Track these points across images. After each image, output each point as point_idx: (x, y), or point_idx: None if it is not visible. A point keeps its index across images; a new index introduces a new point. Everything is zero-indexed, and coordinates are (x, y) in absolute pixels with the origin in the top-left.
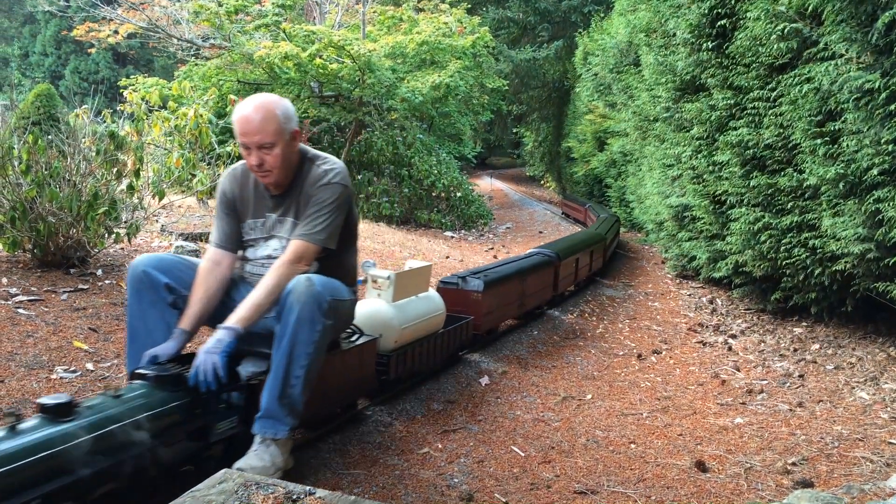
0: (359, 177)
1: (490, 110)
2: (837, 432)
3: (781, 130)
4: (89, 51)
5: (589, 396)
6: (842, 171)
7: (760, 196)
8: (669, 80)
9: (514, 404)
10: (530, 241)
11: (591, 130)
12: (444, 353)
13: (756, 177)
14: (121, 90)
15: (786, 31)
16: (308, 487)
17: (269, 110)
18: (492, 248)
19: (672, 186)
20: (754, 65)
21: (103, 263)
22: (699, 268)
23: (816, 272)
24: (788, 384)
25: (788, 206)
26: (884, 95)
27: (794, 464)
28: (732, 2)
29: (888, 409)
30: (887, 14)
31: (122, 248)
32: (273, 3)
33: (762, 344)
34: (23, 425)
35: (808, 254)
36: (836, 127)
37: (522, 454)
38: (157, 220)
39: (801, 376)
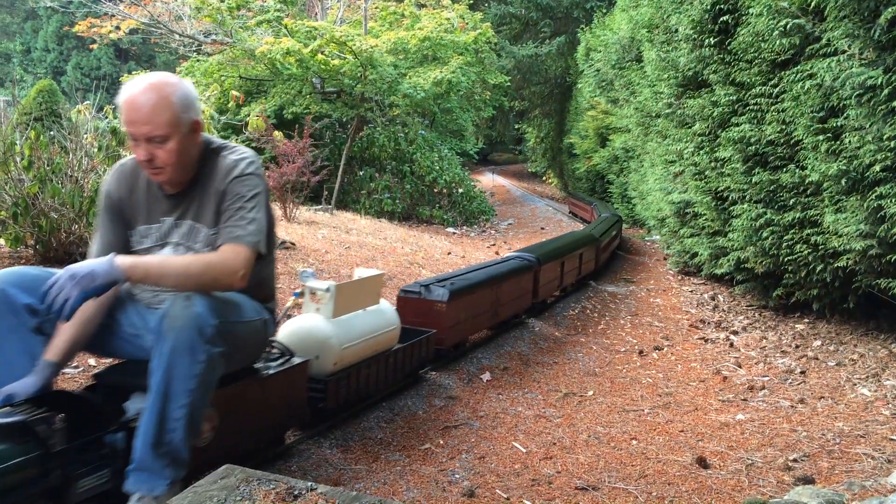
0: (360, 173)
1: (492, 106)
2: (839, 429)
3: (783, 127)
4: (91, 47)
5: (590, 393)
6: (844, 167)
7: (762, 192)
8: (671, 76)
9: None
10: (532, 238)
11: (593, 126)
12: (399, 373)
13: (758, 173)
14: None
15: (788, 27)
16: (310, 483)
17: (162, 95)
18: (493, 244)
19: (674, 183)
20: (756, 61)
21: None
22: (701, 264)
23: (818, 269)
24: (790, 381)
25: (790, 203)
26: (886, 92)
27: (795, 460)
28: None
29: (890, 405)
30: (890, 10)
31: None
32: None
33: (764, 340)
34: None
35: (810, 250)
36: (839, 123)
37: (524, 450)
38: None
39: (802, 373)
